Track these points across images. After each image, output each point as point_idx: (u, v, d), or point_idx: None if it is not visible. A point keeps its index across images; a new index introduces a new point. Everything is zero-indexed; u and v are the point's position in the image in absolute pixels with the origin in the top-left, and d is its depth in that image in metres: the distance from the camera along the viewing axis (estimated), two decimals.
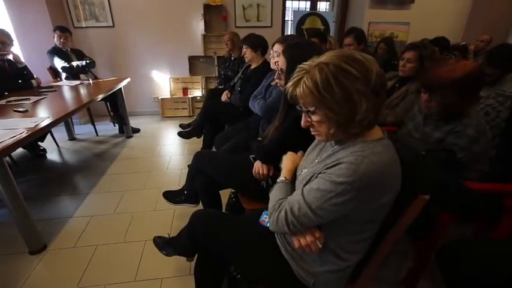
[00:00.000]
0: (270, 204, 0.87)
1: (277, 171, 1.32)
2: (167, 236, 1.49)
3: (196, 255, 1.17)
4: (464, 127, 1.20)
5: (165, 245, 1.42)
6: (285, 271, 0.90)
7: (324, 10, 4.57)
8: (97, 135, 3.50)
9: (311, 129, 0.79)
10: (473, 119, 1.20)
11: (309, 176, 0.82)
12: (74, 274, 1.52)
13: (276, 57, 1.54)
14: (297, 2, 4.54)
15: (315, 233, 0.80)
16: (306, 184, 0.81)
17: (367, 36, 3.80)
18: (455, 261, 0.96)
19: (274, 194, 0.90)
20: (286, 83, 1.06)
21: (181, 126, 3.09)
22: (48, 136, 2.98)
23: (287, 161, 1.02)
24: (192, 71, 4.18)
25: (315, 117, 0.74)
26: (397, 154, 0.75)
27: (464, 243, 1.03)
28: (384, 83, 0.71)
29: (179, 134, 2.76)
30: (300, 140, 1.15)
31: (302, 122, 0.79)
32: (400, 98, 1.90)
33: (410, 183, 0.78)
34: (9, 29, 3.14)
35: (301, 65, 0.75)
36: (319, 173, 0.76)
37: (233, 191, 1.71)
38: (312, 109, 0.73)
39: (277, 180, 0.96)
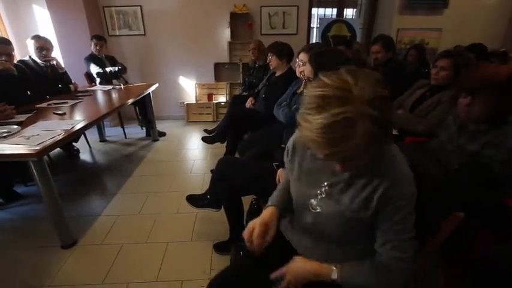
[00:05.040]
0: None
1: None
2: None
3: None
4: (504, 138, 1.11)
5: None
6: None
7: (351, 17, 4.51)
8: (126, 137, 3.66)
9: None
10: None
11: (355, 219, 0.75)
12: (100, 270, 1.58)
13: (302, 66, 1.53)
14: (323, 9, 4.52)
15: None
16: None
17: (396, 43, 3.69)
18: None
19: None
20: None
21: (206, 131, 3.15)
22: (82, 137, 3.16)
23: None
24: (218, 77, 4.28)
25: None
26: (427, 168, 0.73)
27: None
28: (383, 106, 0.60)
29: (203, 139, 2.82)
30: None
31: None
32: (431, 107, 1.82)
33: (442, 200, 0.74)
34: (53, 37, 3.40)
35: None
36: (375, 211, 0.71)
37: (255, 197, 1.71)
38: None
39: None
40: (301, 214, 0.85)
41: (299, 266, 0.78)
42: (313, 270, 0.76)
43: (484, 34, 3.76)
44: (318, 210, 0.79)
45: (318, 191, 0.79)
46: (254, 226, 0.85)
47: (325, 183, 0.78)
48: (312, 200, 0.80)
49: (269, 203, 0.95)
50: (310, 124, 0.58)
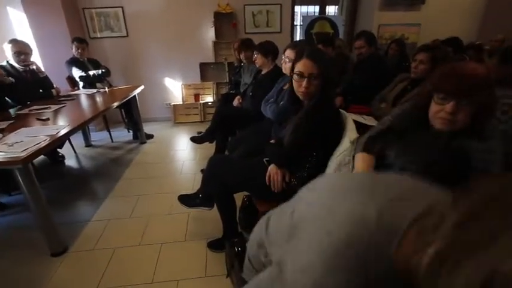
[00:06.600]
0: None
1: (293, 176, 1.33)
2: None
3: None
4: (488, 153, 0.92)
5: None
6: None
7: (333, 14, 4.59)
8: (112, 141, 3.59)
9: None
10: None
11: None
12: (93, 276, 1.56)
13: (288, 63, 1.56)
14: (306, 6, 4.59)
15: None
16: None
17: (377, 38, 3.79)
18: None
19: None
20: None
21: (198, 133, 3.13)
22: (66, 143, 3.09)
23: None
24: (203, 77, 4.26)
25: None
26: None
27: None
28: None
29: (192, 139, 2.81)
30: (317, 144, 1.16)
31: None
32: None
33: None
34: (31, 41, 3.29)
35: None
36: None
37: (247, 194, 1.73)
38: None
39: None
40: None
41: None
42: None
43: (459, 28, 3.91)
44: None
45: None
46: None
47: None
48: None
49: None
50: None
